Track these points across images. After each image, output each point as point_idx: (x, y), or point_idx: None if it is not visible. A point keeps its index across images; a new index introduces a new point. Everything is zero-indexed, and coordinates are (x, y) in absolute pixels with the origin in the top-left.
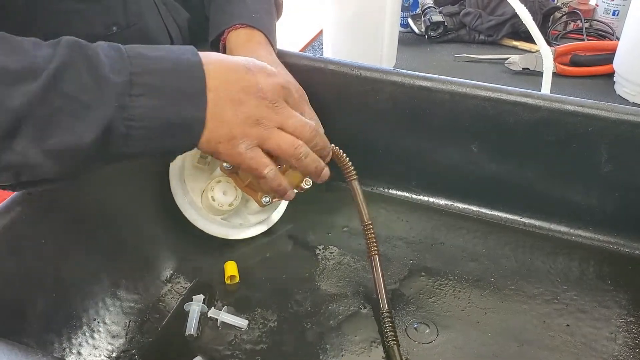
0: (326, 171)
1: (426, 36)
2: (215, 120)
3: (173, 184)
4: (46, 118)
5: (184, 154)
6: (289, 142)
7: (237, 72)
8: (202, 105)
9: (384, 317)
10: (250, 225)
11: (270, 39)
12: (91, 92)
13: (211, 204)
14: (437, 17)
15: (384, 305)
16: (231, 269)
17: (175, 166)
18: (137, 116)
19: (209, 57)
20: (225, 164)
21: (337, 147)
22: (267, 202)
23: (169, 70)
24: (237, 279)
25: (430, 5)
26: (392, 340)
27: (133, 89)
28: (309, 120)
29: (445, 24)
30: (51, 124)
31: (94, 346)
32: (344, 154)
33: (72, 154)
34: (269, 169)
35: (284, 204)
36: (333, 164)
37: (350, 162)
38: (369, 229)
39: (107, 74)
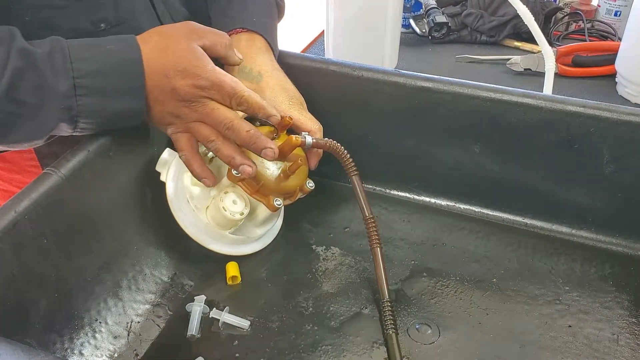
0: (243, 167)
1: (430, 37)
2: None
3: (177, 212)
4: (2, 121)
5: (180, 174)
6: (203, 136)
7: (158, 77)
8: (142, 97)
9: (384, 306)
10: (257, 237)
11: (271, 42)
12: (40, 98)
13: (223, 215)
14: (441, 18)
15: (384, 295)
16: (233, 269)
17: (173, 189)
18: (83, 113)
19: (146, 54)
20: (235, 171)
21: (336, 143)
22: (279, 205)
23: (110, 70)
24: (239, 280)
25: (433, 6)
26: (392, 328)
27: (77, 90)
28: (229, 116)
29: (449, 24)
30: (7, 125)
31: (95, 346)
32: (344, 149)
33: (30, 144)
34: (181, 153)
35: (281, 217)
36: (333, 161)
37: (350, 158)
38: (371, 223)
39: (52, 82)
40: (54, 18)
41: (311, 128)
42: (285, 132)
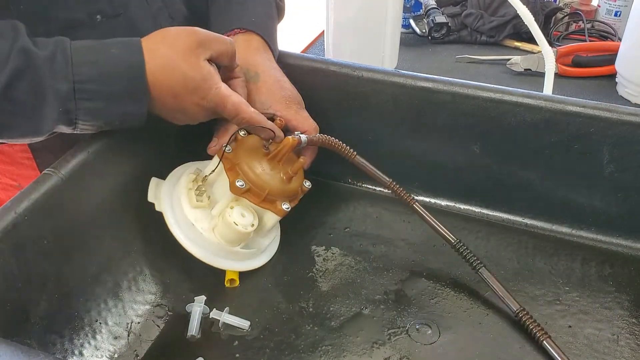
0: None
1: (430, 37)
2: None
3: (183, 240)
4: (1, 119)
5: (177, 200)
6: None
7: (167, 97)
8: (144, 102)
9: (458, 248)
10: (264, 248)
11: (270, 43)
12: (38, 99)
13: (234, 230)
14: (441, 18)
15: (452, 238)
16: (231, 272)
17: (173, 218)
18: (82, 116)
19: (153, 70)
20: (238, 182)
21: (328, 136)
22: (287, 209)
23: (112, 75)
24: (237, 283)
25: (433, 6)
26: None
27: (77, 94)
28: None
29: (449, 24)
30: (4, 123)
31: (96, 347)
32: (336, 140)
33: (30, 141)
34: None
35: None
36: (333, 161)
37: (342, 143)
38: (395, 186)
39: (51, 84)
40: (49, 8)
41: (307, 129)
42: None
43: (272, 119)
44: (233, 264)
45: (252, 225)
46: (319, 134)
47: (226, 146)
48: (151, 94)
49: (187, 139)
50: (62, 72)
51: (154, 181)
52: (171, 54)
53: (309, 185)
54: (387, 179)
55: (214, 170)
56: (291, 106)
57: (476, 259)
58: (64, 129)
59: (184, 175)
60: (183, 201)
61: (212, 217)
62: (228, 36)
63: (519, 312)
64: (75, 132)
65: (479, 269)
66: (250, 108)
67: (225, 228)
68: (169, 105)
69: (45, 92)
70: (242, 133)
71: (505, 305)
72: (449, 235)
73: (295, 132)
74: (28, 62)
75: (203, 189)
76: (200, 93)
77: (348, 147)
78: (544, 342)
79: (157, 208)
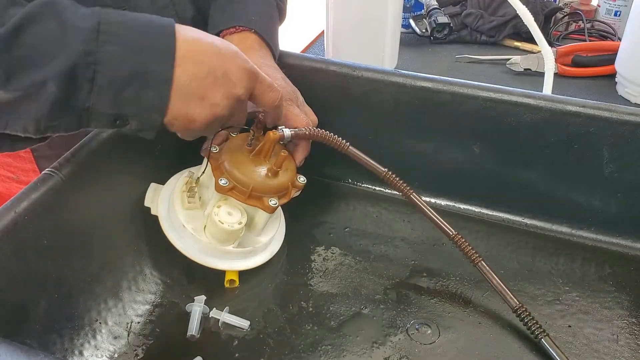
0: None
1: (431, 37)
2: (181, 85)
3: (176, 241)
4: (7, 65)
5: (171, 202)
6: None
7: (196, 66)
8: (169, 65)
9: (456, 241)
10: (264, 246)
11: (269, 42)
12: (56, 39)
13: (221, 229)
14: (443, 19)
15: (450, 230)
16: (232, 273)
17: (167, 220)
18: (102, 61)
19: (183, 29)
20: (221, 181)
21: (318, 129)
22: (274, 204)
23: (139, 26)
24: (237, 284)
25: (435, 6)
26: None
27: (100, 35)
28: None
29: (451, 25)
30: (13, 68)
31: (95, 347)
32: (327, 132)
33: (38, 92)
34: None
35: (282, 221)
36: (333, 161)
37: (334, 135)
38: (390, 176)
39: (74, 22)
40: None
41: (299, 124)
42: (261, 132)
43: (253, 117)
44: (228, 264)
45: (240, 223)
46: (312, 127)
47: (213, 146)
48: (176, 59)
49: (187, 143)
50: (87, 13)
51: (152, 186)
52: (209, 37)
53: (303, 181)
54: (383, 168)
55: (204, 172)
56: (292, 105)
57: (475, 252)
58: (80, 86)
59: (180, 179)
60: (176, 203)
61: (203, 217)
62: (226, 35)
63: (517, 309)
64: (90, 100)
65: (477, 262)
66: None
67: (212, 227)
68: (194, 85)
69: (66, 30)
70: (233, 133)
71: (505, 301)
72: (447, 228)
73: (279, 127)
74: (49, 6)
75: (195, 190)
76: (238, 60)
77: (340, 139)
78: (542, 340)
79: (153, 212)
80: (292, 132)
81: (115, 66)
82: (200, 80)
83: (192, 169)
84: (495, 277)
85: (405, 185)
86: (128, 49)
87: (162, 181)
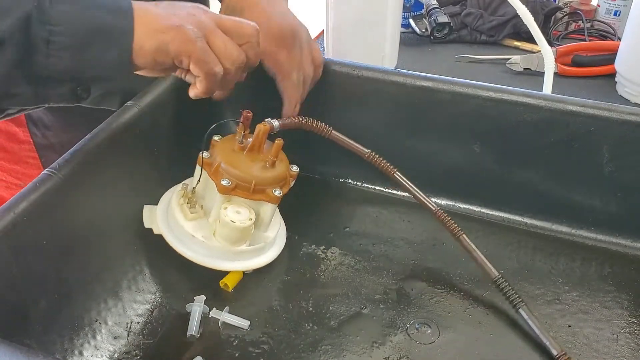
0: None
1: (432, 37)
2: (143, 26)
3: (189, 253)
4: None
5: (171, 217)
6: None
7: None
8: (129, 16)
9: (439, 215)
10: (273, 241)
11: None
12: None
13: (234, 228)
14: (443, 18)
15: (432, 206)
16: (230, 278)
17: (172, 235)
18: (55, 20)
19: None
20: (223, 181)
21: (303, 117)
22: (279, 194)
23: None
24: (230, 289)
25: (435, 6)
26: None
27: None
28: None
29: (451, 24)
30: None
31: (95, 347)
32: (312, 119)
33: None
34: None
35: (281, 217)
36: (333, 161)
37: (317, 120)
38: (374, 157)
39: None
40: None
41: (294, 97)
42: (247, 129)
43: (247, 116)
44: (244, 264)
45: (250, 219)
46: (296, 116)
47: (203, 152)
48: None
49: (186, 143)
50: None
51: (146, 208)
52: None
53: (296, 169)
54: (366, 150)
55: (199, 180)
56: (281, 48)
57: (457, 226)
58: (36, 54)
59: (173, 195)
60: (178, 217)
61: (209, 224)
62: None
63: (497, 279)
64: (49, 62)
65: (459, 236)
66: None
67: (224, 229)
68: (158, 17)
69: None
70: (216, 137)
71: (485, 273)
72: (430, 204)
73: (266, 119)
74: None
75: (194, 200)
76: (200, 8)
77: (323, 124)
78: (520, 310)
79: (156, 231)
80: (280, 122)
81: (69, 24)
82: (163, 12)
83: (185, 182)
84: (476, 250)
85: (388, 164)
86: (81, 4)
87: (162, 181)
